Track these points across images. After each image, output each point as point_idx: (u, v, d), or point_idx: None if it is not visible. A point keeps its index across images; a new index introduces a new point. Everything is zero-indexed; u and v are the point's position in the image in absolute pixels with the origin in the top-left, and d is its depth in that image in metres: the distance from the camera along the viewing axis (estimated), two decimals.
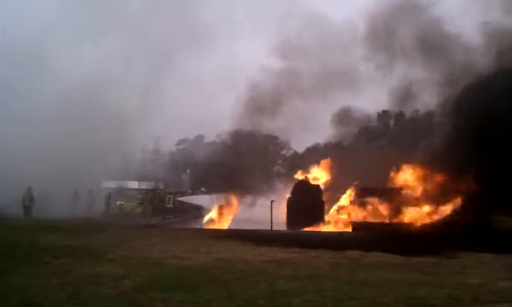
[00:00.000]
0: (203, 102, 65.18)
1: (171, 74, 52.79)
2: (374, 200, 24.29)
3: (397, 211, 23.09)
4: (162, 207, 34.81)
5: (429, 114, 29.56)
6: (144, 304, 7.29)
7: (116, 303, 7.32)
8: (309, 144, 48.32)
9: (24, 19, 41.85)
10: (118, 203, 38.21)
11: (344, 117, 34.43)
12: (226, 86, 69.92)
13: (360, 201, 25.13)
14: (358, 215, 24.47)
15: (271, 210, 24.36)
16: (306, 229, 23.03)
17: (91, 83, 35.16)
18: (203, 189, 39.83)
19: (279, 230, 22.84)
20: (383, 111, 44.25)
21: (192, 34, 56.12)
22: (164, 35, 45.20)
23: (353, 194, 26.27)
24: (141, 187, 45.58)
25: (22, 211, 27.90)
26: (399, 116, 47.18)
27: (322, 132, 39.38)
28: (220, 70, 66.30)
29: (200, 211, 31.81)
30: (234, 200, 28.90)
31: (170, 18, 50.02)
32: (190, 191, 39.82)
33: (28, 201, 28.15)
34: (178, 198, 35.71)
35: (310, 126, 38.96)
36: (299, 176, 27.82)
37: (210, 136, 55.06)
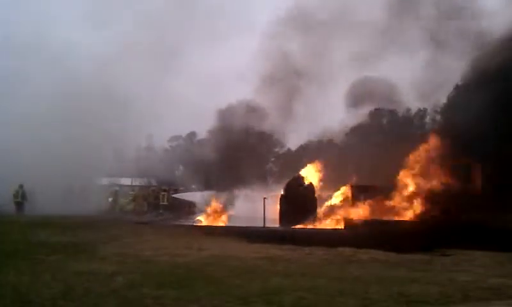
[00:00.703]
0: (200, 97, 64.59)
1: (171, 69, 52.09)
2: (367, 197, 24.34)
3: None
4: (157, 204, 34.85)
5: (421, 112, 29.11)
6: (136, 301, 7.27)
7: (108, 300, 7.30)
8: (302, 141, 48.09)
9: (25, 9, 41.64)
10: (109, 200, 38.09)
11: (363, 90, 30.48)
12: (226, 80, 68.24)
13: (353, 198, 25.17)
14: (351, 212, 24.51)
15: (263, 207, 24.42)
16: (298, 226, 23.08)
17: (89, 80, 35.05)
18: (193, 186, 39.78)
19: (272, 227, 22.91)
20: (375, 109, 44.24)
21: (197, 25, 55.22)
22: (166, 29, 44.92)
23: (346, 191, 26.32)
24: (133, 184, 45.47)
25: (14, 207, 27.80)
26: (392, 114, 47.33)
27: (322, 126, 38.00)
28: (222, 61, 64.92)
29: (193, 208, 31.82)
30: (227, 197, 28.89)
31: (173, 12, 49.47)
32: (183, 188, 39.76)
33: (20, 198, 28.02)
34: (173, 195, 35.72)
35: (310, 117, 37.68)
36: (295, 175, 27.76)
37: (204, 133, 54.62)
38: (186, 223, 26.77)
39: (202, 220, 28.21)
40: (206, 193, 30.97)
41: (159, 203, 35.53)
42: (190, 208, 32.41)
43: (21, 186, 28.11)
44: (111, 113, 35.68)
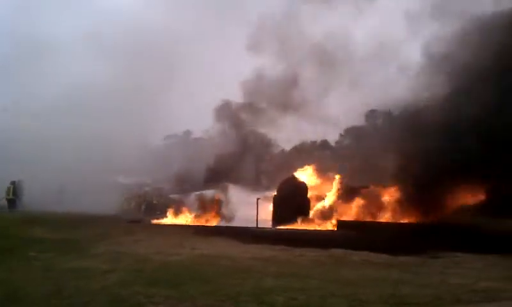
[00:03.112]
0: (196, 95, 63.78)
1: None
2: (360, 199, 24.39)
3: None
4: (151, 203, 34.80)
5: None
6: (127, 298, 7.26)
7: (99, 297, 7.29)
8: (296, 142, 47.89)
9: None
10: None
11: None
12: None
13: (346, 199, 25.20)
14: (344, 213, 24.54)
15: (256, 208, 24.41)
16: (291, 226, 23.08)
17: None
18: (187, 187, 39.66)
19: (264, 228, 22.89)
20: (370, 111, 44.27)
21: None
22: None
23: (339, 192, 26.33)
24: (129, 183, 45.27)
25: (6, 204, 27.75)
26: (387, 115, 47.24)
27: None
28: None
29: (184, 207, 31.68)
30: (220, 197, 28.81)
31: None
32: (178, 187, 39.64)
33: (12, 194, 27.91)
34: (170, 196, 35.60)
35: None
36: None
37: (198, 132, 54.22)
38: (178, 222, 26.66)
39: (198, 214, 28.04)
40: (200, 192, 30.84)
41: (153, 202, 35.41)
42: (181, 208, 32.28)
43: (13, 183, 27.99)
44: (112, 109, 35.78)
